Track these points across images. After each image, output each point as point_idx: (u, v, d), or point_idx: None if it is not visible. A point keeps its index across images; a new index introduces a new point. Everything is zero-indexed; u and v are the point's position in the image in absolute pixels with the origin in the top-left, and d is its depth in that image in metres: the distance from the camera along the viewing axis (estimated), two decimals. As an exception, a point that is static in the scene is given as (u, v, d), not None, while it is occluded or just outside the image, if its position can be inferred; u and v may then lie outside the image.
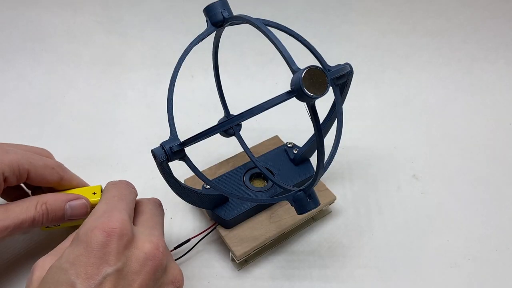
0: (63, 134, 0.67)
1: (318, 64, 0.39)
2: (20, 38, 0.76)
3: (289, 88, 0.33)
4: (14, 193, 0.48)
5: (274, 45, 0.35)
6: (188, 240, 0.50)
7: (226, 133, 0.57)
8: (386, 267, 0.49)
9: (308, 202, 0.41)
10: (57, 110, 0.71)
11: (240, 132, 0.57)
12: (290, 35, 0.41)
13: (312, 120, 0.35)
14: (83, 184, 0.51)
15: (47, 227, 0.48)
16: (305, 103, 0.34)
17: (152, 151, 0.38)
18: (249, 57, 0.77)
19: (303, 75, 0.32)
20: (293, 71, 0.33)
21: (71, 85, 0.75)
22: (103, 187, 0.50)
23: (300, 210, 0.41)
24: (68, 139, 0.66)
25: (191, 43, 0.42)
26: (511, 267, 0.49)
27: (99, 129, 0.68)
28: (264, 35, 0.36)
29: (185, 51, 0.41)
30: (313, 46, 0.42)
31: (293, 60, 0.34)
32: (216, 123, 0.68)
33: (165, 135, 0.40)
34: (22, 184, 0.49)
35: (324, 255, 0.51)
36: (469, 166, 0.62)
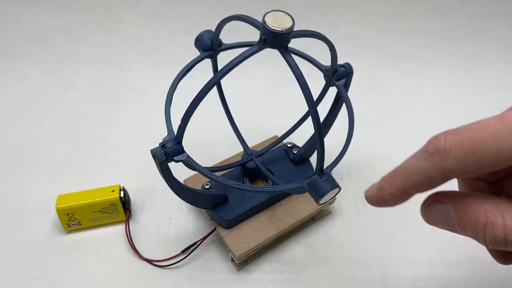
0: (62, 134, 0.67)
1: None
2: (20, 38, 0.76)
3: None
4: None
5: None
6: (195, 243, 0.50)
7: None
8: (386, 266, 0.49)
9: (323, 183, 0.36)
10: (56, 110, 0.71)
11: (240, 132, 0.56)
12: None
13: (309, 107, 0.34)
14: None
15: (69, 226, 0.52)
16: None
17: (152, 151, 0.38)
18: (249, 57, 0.77)
19: (265, 16, 0.32)
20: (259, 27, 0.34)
21: (71, 85, 0.75)
22: (121, 187, 0.53)
23: (318, 194, 0.36)
24: (68, 139, 0.66)
25: (181, 71, 0.42)
26: (511, 267, 0.49)
27: (99, 129, 0.68)
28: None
29: (176, 77, 0.42)
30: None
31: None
32: (216, 123, 0.68)
33: (165, 135, 0.40)
34: None
35: (323, 255, 0.51)
36: (469, 166, 0.61)
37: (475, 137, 0.25)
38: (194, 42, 0.46)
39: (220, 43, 0.49)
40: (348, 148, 0.40)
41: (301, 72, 0.34)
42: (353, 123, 0.42)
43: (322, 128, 0.35)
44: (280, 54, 0.35)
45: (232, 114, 0.56)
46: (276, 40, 0.33)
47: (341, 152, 0.40)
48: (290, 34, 0.33)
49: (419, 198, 0.58)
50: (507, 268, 0.49)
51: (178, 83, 0.42)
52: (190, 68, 0.44)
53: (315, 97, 0.39)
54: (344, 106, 0.47)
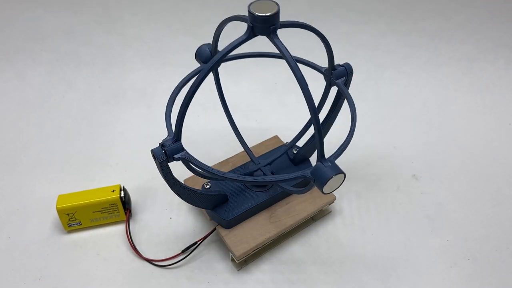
0: (62, 134, 0.67)
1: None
2: (20, 38, 0.76)
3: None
4: None
5: None
6: (195, 243, 0.50)
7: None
8: (386, 267, 0.49)
9: (326, 169, 0.36)
10: (56, 110, 0.71)
11: (240, 132, 0.56)
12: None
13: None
14: None
15: (70, 226, 0.52)
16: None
17: (152, 151, 0.38)
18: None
19: (251, 5, 0.34)
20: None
21: (71, 85, 0.75)
22: (122, 186, 0.53)
23: (321, 181, 0.35)
24: (68, 139, 0.67)
25: (181, 81, 0.42)
26: (511, 267, 0.49)
27: (99, 129, 0.68)
28: None
29: (175, 89, 0.42)
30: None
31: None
32: (215, 123, 0.68)
33: (165, 135, 0.40)
34: None
35: (323, 255, 0.51)
36: (469, 166, 0.61)
37: None
38: (194, 56, 0.47)
39: None
40: (349, 148, 0.40)
41: (291, 56, 0.35)
42: (355, 118, 0.41)
43: (322, 128, 0.35)
44: (270, 40, 0.35)
45: (232, 115, 0.56)
46: (263, 25, 0.34)
47: (345, 141, 0.40)
48: (275, 18, 0.34)
49: (417, 200, 0.58)
50: (507, 268, 0.49)
51: (178, 93, 0.42)
52: (189, 79, 0.44)
53: (316, 100, 0.38)
54: (344, 107, 0.47)
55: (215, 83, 0.55)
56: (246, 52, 0.51)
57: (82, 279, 0.48)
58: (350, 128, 0.41)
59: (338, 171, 0.36)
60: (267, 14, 0.33)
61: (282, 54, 0.35)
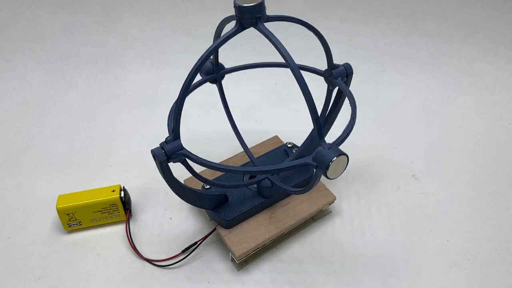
0: (62, 134, 0.67)
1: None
2: (20, 38, 0.76)
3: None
4: None
5: None
6: (195, 243, 0.50)
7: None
8: (386, 267, 0.49)
9: (327, 152, 0.35)
10: (56, 110, 0.71)
11: (240, 132, 0.56)
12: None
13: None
14: None
15: (70, 226, 0.52)
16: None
17: (152, 151, 0.38)
18: (249, 57, 0.77)
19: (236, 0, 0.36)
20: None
21: (71, 85, 0.75)
22: (122, 187, 0.53)
23: (323, 165, 0.35)
24: (68, 139, 0.67)
25: (189, 83, 0.41)
26: (511, 267, 0.49)
27: (99, 129, 0.68)
28: None
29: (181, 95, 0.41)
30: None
31: None
32: (215, 123, 0.68)
33: (165, 135, 0.40)
34: None
35: (323, 255, 0.51)
36: (468, 166, 0.62)
37: None
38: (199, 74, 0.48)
39: (222, 67, 0.51)
40: (349, 149, 0.40)
41: (280, 43, 0.36)
42: (355, 110, 0.41)
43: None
44: (258, 31, 0.36)
45: (232, 115, 0.56)
46: (249, 16, 0.36)
47: (347, 127, 0.39)
48: (260, 8, 0.36)
49: (417, 200, 0.58)
50: (507, 268, 0.49)
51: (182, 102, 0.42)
52: (188, 85, 0.43)
53: (317, 101, 0.38)
54: (343, 107, 0.47)
55: (220, 96, 0.54)
56: (252, 63, 0.53)
57: (82, 279, 0.48)
58: (351, 115, 0.41)
59: (340, 152, 0.34)
60: (251, 4, 0.35)
61: (272, 42, 0.36)
